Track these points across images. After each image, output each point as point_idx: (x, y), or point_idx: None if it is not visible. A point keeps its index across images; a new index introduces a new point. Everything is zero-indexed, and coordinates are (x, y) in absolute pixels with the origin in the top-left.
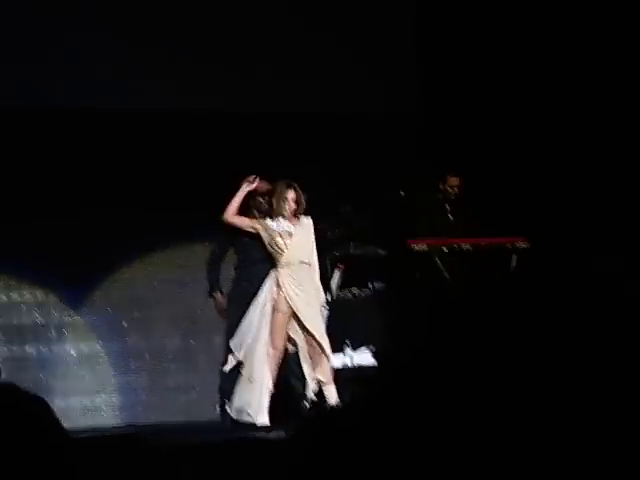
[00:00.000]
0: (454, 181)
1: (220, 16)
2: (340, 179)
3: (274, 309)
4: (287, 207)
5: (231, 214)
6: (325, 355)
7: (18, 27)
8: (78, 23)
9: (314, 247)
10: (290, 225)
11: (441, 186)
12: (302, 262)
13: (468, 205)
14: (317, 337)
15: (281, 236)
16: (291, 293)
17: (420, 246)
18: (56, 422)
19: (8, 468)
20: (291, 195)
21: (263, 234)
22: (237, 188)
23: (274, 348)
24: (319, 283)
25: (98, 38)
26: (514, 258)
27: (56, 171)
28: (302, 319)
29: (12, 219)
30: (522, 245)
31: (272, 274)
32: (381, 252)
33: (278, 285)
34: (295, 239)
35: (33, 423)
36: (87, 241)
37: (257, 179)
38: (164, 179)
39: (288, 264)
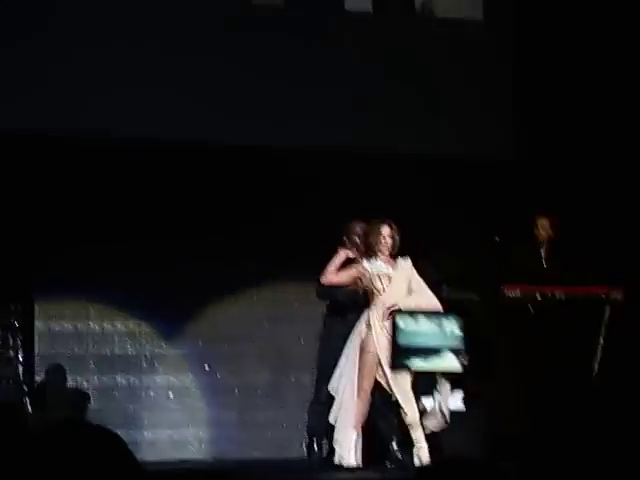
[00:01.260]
0: (548, 227)
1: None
2: (435, 223)
3: (362, 349)
4: (383, 243)
5: (330, 277)
6: (410, 398)
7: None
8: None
9: (412, 290)
10: (388, 267)
11: (536, 232)
12: (395, 304)
13: (563, 252)
14: (402, 380)
15: (379, 278)
16: (379, 334)
17: (514, 293)
18: (130, 457)
19: None
20: (386, 231)
21: (362, 278)
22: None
23: (362, 389)
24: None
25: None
26: (608, 309)
27: (156, 204)
28: (385, 361)
29: (108, 250)
30: (617, 296)
31: (365, 314)
32: (474, 297)
33: (369, 325)
34: (392, 281)
35: (109, 456)
36: (181, 274)
37: (354, 250)
38: (261, 217)
39: (382, 305)
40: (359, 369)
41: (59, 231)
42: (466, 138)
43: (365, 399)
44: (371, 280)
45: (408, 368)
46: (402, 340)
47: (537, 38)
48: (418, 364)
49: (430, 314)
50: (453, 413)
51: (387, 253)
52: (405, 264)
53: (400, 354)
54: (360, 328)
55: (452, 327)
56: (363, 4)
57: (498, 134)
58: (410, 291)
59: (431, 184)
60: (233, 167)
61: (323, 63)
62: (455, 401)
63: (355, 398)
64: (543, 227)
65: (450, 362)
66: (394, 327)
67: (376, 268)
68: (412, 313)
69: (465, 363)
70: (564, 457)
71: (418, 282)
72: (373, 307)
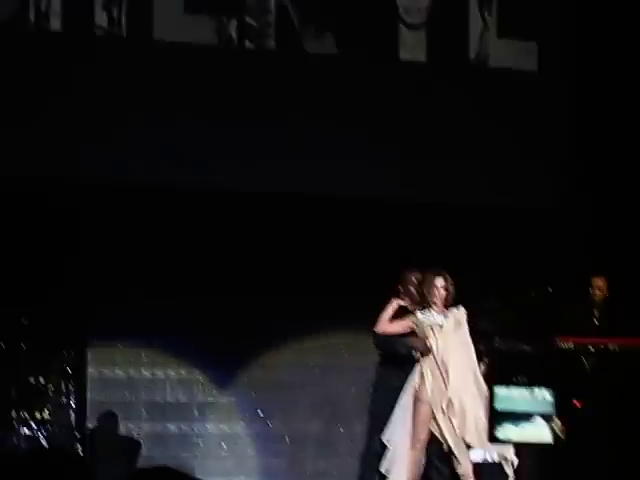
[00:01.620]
0: (598, 283)
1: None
2: (488, 272)
3: (417, 399)
4: (437, 295)
5: (384, 326)
6: (463, 449)
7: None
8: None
9: (465, 339)
10: (441, 317)
11: (591, 291)
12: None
13: (616, 304)
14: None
15: (432, 328)
16: (432, 384)
17: (567, 344)
18: None
19: None
20: (440, 282)
21: (416, 329)
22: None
23: (417, 439)
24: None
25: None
26: None
27: (212, 255)
28: (437, 410)
29: (162, 296)
30: None
31: (418, 364)
32: (527, 348)
33: (422, 375)
34: (444, 331)
35: None
36: (234, 322)
37: (408, 300)
38: (313, 266)
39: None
40: (413, 419)
41: (113, 278)
42: (520, 189)
43: (420, 449)
44: (424, 331)
45: (508, 442)
46: (499, 406)
47: (592, 90)
48: (514, 434)
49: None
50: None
51: (441, 304)
52: (458, 314)
53: (496, 421)
54: (414, 378)
55: (543, 393)
56: (417, 54)
57: (556, 184)
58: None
59: (485, 233)
60: (284, 218)
61: (373, 112)
62: (507, 451)
63: (409, 448)
64: (599, 287)
65: (543, 431)
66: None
67: (428, 319)
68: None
69: (557, 431)
70: None
71: (465, 334)
72: (426, 358)
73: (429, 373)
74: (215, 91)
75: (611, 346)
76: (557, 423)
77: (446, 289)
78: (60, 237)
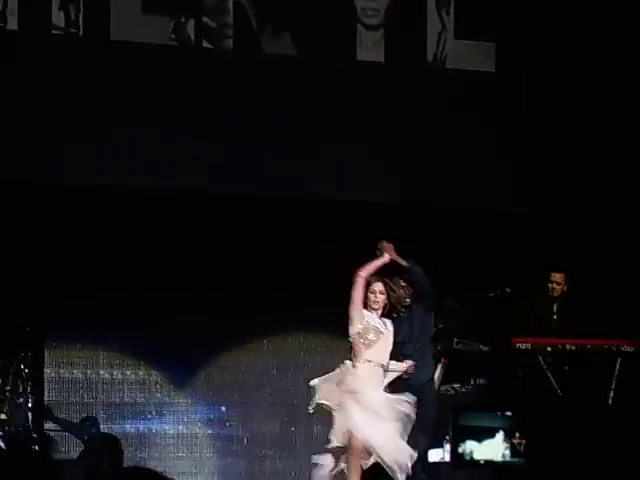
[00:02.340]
0: (558, 277)
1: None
2: (445, 274)
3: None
4: (373, 300)
5: (365, 271)
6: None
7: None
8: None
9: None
10: (380, 322)
11: (549, 286)
12: (379, 364)
13: (573, 305)
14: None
15: (374, 332)
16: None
17: (524, 344)
18: None
19: None
20: (379, 288)
21: (358, 324)
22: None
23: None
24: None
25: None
26: (619, 361)
27: (167, 255)
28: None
29: (118, 299)
30: (627, 348)
31: (347, 364)
32: (484, 348)
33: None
34: (384, 337)
35: None
36: (191, 324)
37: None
38: (271, 269)
39: (367, 361)
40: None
41: (70, 280)
42: (479, 190)
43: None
44: (366, 329)
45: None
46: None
47: (550, 90)
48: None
49: None
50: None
51: (377, 309)
52: (391, 327)
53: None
54: (345, 364)
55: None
56: (375, 55)
57: (513, 187)
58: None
59: (442, 234)
60: (244, 219)
61: (332, 113)
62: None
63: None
64: (557, 281)
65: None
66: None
67: (373, 320)
68: None
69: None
70: None
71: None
72: (357, 360)
73: (358, 376)
74: (173, 91)
75: (568, 346)
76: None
77: (383, 294)
78: (15, 237)
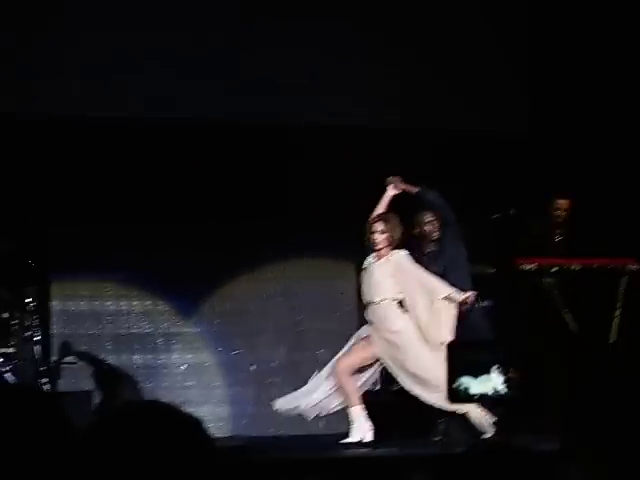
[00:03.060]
0: (560, 204)
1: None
2: (451, 196)
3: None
4: (376, 240)
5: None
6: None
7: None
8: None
9: (402, 283)
10: (372, 261)
11: (552, 212)
12: (373, 302)
13: (578, 225)
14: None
15: (364, 271)
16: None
17: (529, 265)
18: (206, 432)
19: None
20: (380, 227)
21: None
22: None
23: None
24: (392, 323)
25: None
26: (624, 279)
27: (174, 184)
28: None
29: (124, 229)
30: (632, 267)
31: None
32: (490, 270)
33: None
34: (367, 271)
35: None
36: (196, 252)
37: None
38: (274, 195)
39: (366, 303)
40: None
41: (74, 212)
42: (484, 113)
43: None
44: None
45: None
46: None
47: (554, 14)
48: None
49: None
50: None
51: (381, 249)
52: (395, 258)
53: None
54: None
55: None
56: None
57: (517, 109)
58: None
59: (447, 157)
60: (248, 148)
61: (330, 36)
62: None
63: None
64: (560, 208)
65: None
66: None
67: (367, 262)
68: None
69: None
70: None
71: (411, 273)
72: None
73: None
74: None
75: (573, 266)
76: (513, 374)
77: (383, 232)
78: (20, 171)
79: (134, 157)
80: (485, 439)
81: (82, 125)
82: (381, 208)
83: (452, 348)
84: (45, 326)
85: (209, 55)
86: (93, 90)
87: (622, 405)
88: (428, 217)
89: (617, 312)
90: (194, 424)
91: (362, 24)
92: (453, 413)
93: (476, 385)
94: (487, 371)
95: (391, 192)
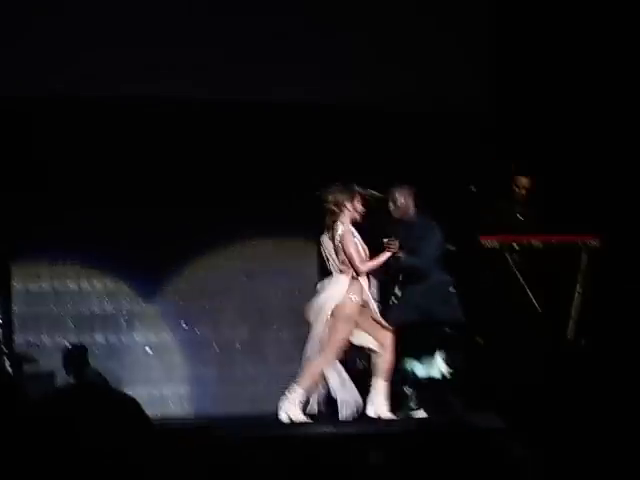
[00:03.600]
0: (522, 182)
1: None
2: (410, 175)
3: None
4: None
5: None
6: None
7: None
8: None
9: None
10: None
11: (513, 185)
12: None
13: (540, 202)
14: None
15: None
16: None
17: (491, 242)
18: (142, 412)
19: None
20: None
21: None
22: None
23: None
24: (334, 292)
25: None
26: (585, 256)
27: (133, 164)
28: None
29: (86, 209)
30: (593, 243)
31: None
32: (451, 247)
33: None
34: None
35: (123, 412)
36: (158, 232)
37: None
38: (238, 174)
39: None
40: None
41: (36, 192)
42: (445, 91)
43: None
44: None
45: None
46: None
47: None
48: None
49: None
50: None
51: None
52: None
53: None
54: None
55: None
56: None
57: (476, 87)
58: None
59: (409, 136)
60: (208, 124)
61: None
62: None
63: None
64: (523, 186)
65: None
66: None
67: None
68: None
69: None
70: (544, 403)
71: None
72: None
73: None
74: None
75: (534, 243)
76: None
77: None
78: None
79: (97, 137)
80: (438, 417)
81: (38, 103)
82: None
83: (408, 329)
84: (6, 307)
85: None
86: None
87: (581, 385)
88: (402, 195)
89: (578, 288)
90: (130, 404)
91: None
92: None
93: (422, 368)
94: (432, 354)
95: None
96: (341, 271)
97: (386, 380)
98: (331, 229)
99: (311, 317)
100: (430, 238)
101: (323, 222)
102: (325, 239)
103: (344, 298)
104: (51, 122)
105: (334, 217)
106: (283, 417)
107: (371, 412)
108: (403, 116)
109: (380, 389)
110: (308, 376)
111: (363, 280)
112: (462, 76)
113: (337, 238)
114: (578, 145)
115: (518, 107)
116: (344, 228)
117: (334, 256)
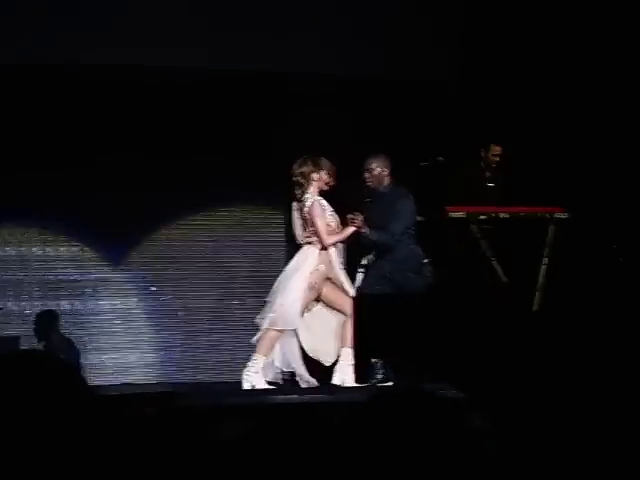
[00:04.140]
0: (495, 150)
1: None
2: (380, 145)
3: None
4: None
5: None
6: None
7: None
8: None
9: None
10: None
11: (482, 154)
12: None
13: (507, 174)
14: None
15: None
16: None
17: (458, 213)
18: (82, 380)
19: (37, 427)
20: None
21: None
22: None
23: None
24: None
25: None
26: (552, 228)
27: (97, 128)
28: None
29: (50, 174)
30: (560, 215)
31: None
32: (418, 218)
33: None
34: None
35: (60, 380)
36: (125, 199)
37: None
38: (204, 142)
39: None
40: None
41: (1, 158)
42: (415, 61)
43: None
44: None
45: None
46: None
47: None
48: None
49: None
50: None
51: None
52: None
53: None
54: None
55: None
56: None
57: (446, 56)
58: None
59: (376, 106)
60: (177, 92)
61: None
62: None
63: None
64: (489, 150)
65: None
66: None
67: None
68: None
69: None
70: (508, 376)
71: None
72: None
73: None
74: None
75: (502, 214)
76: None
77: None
78: None
79: (58, 99)
80: (397, 385)
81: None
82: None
83: (377, 299)
84: None
85: None
86: None
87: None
88: (378, 164)
89: (545, 260)
90: (68, 371)
91: None
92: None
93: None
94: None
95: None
96: (310, 243)
97: (350, 347)
98: (299, 201)
99: (278, 286)
100: (401, 209)
101: (292, 193)
102: (294, 210)
103: (312, 268)
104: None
105: (302, 189)
106: (246, 387)
107: (336, 380)
108: (369, 86)
109: (345, 357)
110: (268, 343)
111: (332, 251)
112: (429, 45)
113: (305, 209)
114: (546, 116)
115: (486, 76)
116: (312, 199)
117: (302, 227)
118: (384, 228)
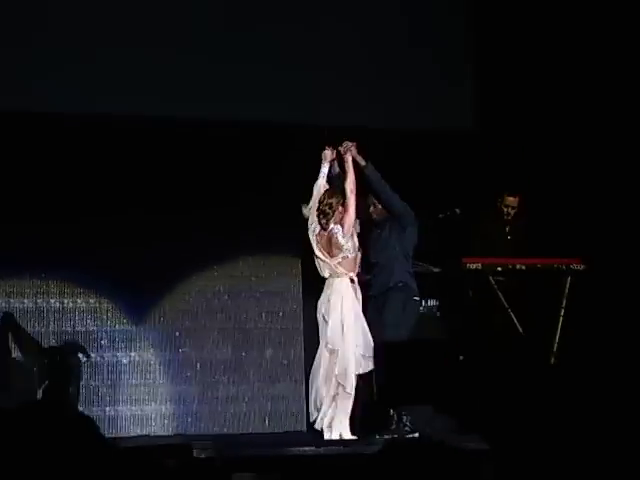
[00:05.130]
0: (512, 201)
1: None
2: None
3: None
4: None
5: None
6: None
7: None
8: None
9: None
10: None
11: (499, 205)
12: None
13: (524, 225)
14: None
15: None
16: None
17: (474, 265)
18: (99, 435)
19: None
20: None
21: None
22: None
23: None
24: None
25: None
26: (568, 280)
27: (116, 181)
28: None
29: (70, 227)
30: (577, 267)
31: None
32: (435, 269)
33: None
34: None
35: (77, 432)
36: (142, 251)
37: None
38: (221, 193)
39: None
40: None
41: (19, 209)
42: (428, 110)
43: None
44: None
45: None
46: None
47: (497, 8)
48: None
49: None
50: None
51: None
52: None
53: None
54: None
55: None
56: None
57: (461, 106)
58: None
59: (393, 156)
60: (193, 144)
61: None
62: None
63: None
64: (511, 205)
65: None
66: None
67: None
68: None
69: None
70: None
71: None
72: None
73: None
74: None
75: (518, 266)
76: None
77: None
78: None
79: (78, 154)
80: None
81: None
82: (351, 172)
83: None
84: None
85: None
86: None
87: (561, 410)
88: (371, 200)
89: (562, 312)
90: (84, 422)
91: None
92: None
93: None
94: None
95: (349, 157)
96: (338, 275)
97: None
98: (324, 229)
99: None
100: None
101: (307, 240)
102: (316, 244)
103: (352, 298)
104: (31, 138)
105: (327, 218)
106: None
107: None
108: (389, 136)
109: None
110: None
111: (356, 285)
112: (447, 95)
113: (334, 230)
114: (563, 167)
115: (505, 127)
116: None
117: (328, 257)
118: (389, 248)
